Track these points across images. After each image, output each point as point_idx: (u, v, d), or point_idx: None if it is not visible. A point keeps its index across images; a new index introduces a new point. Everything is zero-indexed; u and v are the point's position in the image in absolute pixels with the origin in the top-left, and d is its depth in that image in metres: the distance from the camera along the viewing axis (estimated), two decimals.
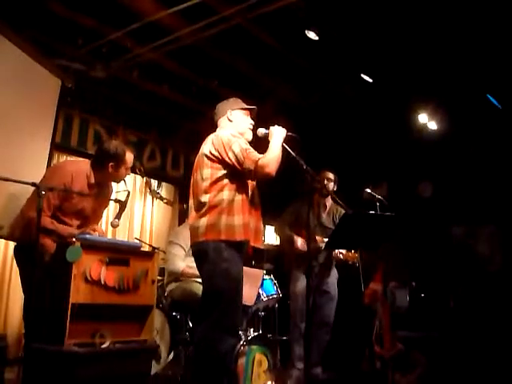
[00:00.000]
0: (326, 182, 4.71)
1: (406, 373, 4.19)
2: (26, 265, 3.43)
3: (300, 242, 4.62)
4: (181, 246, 4.59)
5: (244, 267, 3.17)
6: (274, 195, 4.29)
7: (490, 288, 5.55)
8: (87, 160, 3.84)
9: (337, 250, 4.59)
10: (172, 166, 6.91)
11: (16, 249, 3.69)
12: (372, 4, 4.29)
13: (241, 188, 3.12)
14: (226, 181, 3.09)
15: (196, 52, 5.07)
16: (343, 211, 4.75)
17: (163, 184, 6.88)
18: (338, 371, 5.02)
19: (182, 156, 7.03)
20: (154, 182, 6.73)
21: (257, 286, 4.27)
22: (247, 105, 3.41)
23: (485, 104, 5.46)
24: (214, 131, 3.32)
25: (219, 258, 2.98)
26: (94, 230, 3.63)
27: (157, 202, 6.77)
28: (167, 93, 5.91)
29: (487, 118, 5.56)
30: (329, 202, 4.89)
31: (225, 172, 3.09)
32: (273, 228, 5.35)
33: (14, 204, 3.75)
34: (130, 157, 3.71)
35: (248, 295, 3.84)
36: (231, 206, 3.05)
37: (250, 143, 3.26)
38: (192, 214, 3.16)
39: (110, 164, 3.63)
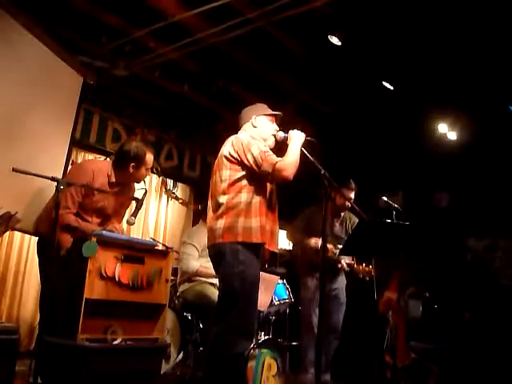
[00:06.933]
0: (347, 202, 4.64)
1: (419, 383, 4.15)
2: (46, 258, 3.48)
3: (313, 240, 4.61)
4: (194, 247, 4.60)
5: (260, 272, 3.16)
6: (290, 199, 4.27)
7: (504, 301, 5.48)
8: (108, 160, 3.88)
9: (343, 262, 4.60)
10: (188, 167, 6.95)
11: (39, 242, 3.77)
12: (395, 11, 4.27)
13: (259, 190, 3.11)
14: (244, 182, 3.08)
15: (218, 54, 5.09)
16: (356, 220, 4.73)
17: (179, 184, 6.90)
18: (348, 379, 4.99)
19: (199, 157, 7.07)
20: (170, 182, 6.76)
21: (271, 292, 4.24)
22: (272, 110, 3.38)
23: (506, 116, 5.40)
24: (233, 133, 3.32)
25: (236, 260, 2.97)
26: (116, 229, 3.67)
27: (172, 201, 6.79)
28: (187, 94, 5.92)
29: (508, 129, 5.51)
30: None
31: (243, 174, 3.09)
32: (285, 233, 5.32)
33: (39, 200, 3.80)
34: (150, 157, 3.76)
35: (262, 300, 3.81)
36: (249, 208, 3.04)
37: (272, 149, 3.24)
38: (210, 214, 3.16)
39: (131, 165, 3.68)
